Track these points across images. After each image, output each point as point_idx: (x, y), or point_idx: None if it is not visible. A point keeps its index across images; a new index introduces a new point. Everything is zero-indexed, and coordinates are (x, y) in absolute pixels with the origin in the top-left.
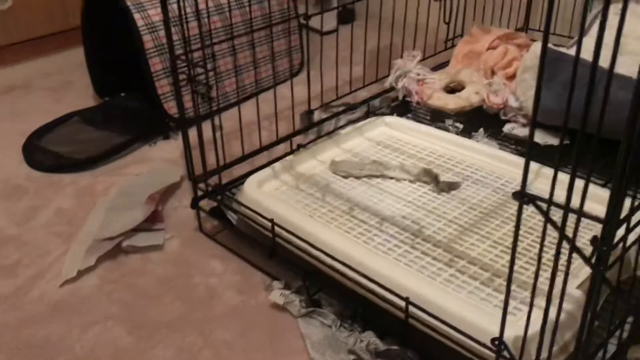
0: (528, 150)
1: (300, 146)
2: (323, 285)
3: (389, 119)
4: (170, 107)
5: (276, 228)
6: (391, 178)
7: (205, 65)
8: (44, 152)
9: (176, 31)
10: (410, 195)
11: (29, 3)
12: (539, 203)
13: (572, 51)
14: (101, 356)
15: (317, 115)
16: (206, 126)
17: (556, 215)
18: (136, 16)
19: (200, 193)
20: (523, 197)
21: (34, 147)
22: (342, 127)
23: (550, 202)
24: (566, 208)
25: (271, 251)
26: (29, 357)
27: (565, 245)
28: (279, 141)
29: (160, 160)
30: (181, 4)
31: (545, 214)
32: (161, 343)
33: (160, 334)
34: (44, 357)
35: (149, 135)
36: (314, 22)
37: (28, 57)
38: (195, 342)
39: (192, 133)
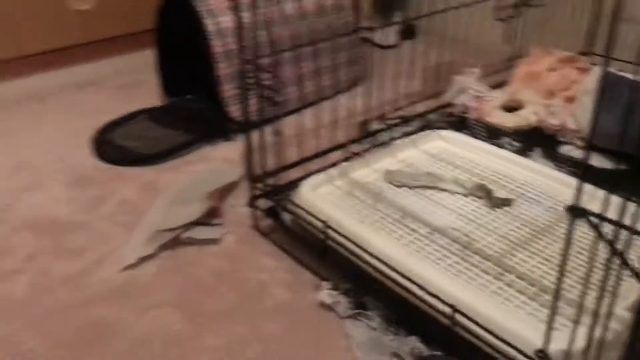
0: (582, 168)
1: (355, 154)
2: (370, 289)
3: (445, 132)
4: (233, 110)
5: (328, 230)
6: (444, 190)
7: (272, 71)
8: (112, 146)
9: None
10: (463, 208)
11: (106, 5)
12: (591, 218)
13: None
14: (155, 339)
15: (373, 126)
16: (265, 130)
17: (608, 236)
18: (207, 22)
19: (257, 193)
20: (575, 211)
21: (103, 141)
22: (397, 138)
23: (602, 217)
24: (619, 225)
25: (322, 252)
26: (89, 336)
27: (616, 263)
28: (334, 148)
29: (220, 160)
30: (251, 12)
31: (597, 229)
32: (212, 331)
33: (212, 322)
34: (103, 336)
35: (211, 136)
36: (376, 36)
37: (102, 56)
38: (245, 333)
39: (252, 136)
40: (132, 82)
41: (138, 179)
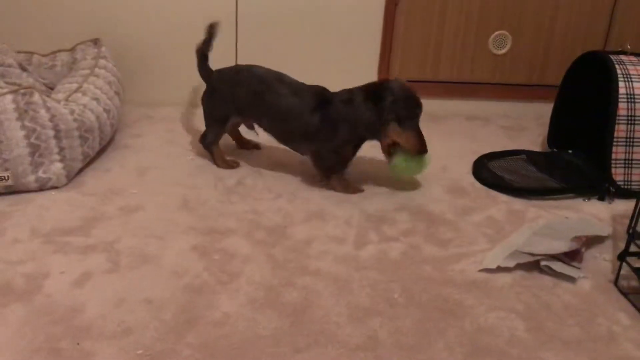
0: None
1: None
2: None
3: None
4: (617, 173)
5: None
6: None
7: None
8: (489, 171)
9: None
10: None
11: (518, 52)
12: None
13: None
14: (500, 335)
15: None
16: None
17: None
18: (621, 84)
19: (633, 250)
20: None
21: (482, 165)
22: None
23: None
24: None
25: None
26: (445, 307)
27: None
28: None
29: (588, 214)
30: None
31: None
32: (551, 350)
33: (553, 344)
34: (455, 313)
35: (585, 191)
36: None
37: (497, 97)
38: None
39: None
40: (516, 126)
41: (507, 205)
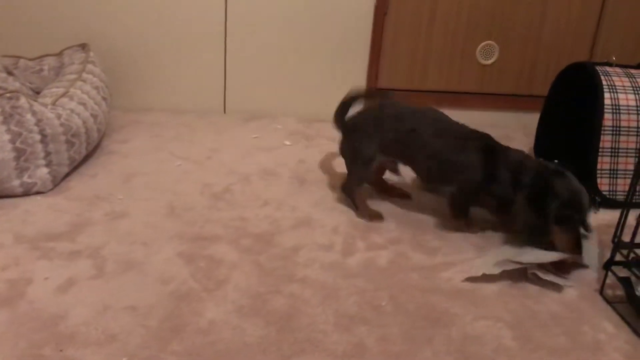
0: None
1: None
2: None
3: None
4: (603, 183)
5: None
6: None
7: None
8: None
9: None
10: None
11: (506, 62)
12: None
13: None
14: (486, 343)
15: None
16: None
17: None
18: (606, 95)
19: (618, 259)
20: None
21: None
22: None
23: None
24: None
25: None
26: (431, 316)
27: None
28: None
29: None
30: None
31: None
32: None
33: (541, 352)
34: (442, 321)
35: None
36: None
37: (485, 107)
38: None
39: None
40: (503, 136)
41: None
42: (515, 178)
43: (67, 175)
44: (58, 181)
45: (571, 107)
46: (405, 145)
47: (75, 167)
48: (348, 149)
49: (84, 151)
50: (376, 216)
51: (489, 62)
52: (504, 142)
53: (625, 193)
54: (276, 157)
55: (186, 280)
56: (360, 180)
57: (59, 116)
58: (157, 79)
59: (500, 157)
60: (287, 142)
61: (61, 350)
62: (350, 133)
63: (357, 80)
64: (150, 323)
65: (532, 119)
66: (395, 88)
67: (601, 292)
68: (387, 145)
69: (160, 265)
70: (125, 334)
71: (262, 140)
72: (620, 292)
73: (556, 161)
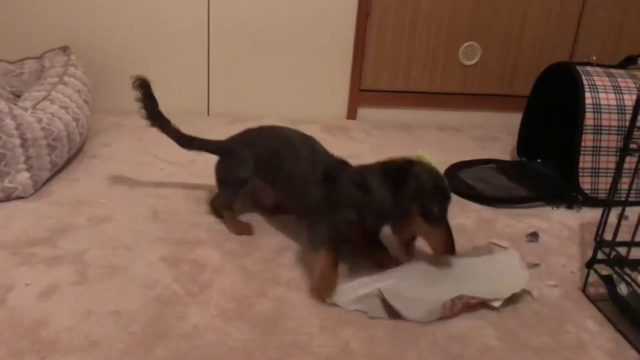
0: None
1: None
2: None
3: None
4: (585, 182)
5: None
6: None
7: None
8: (460, 180)
9: (618, 119)
10: None
11: (488, 63)
12: None
13: None
14: (471, 342)
15: None
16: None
17: None
18: (587, 95)
19: (600, 257)
20: None
21: (453, 174)
22: None
23: None
24: None
25: None
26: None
27: None
28: None
29: (557, 223)
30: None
31: None
32: (521, 357)
33: (524, 350)
34: (424, 324)
35: (554, 200)
36: None
37: (468, 107)
38: None
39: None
40: (487, 136)
41: (476, 213)
42: (362, 186)
43: (49, 179)
44: (39, 186)
45: (553, 107)
46: (270, 169)
47: (57, 171)
48: (220, 169)
49: (66, 155)
50: (245, 230)
51: (472, 62)
52: (488, 143)
53: (607, 192)
54: None
55: (170, 284)
56: (227, 202)
57: (39, 120)
58: None
59: (340, 177)
60: None
61: (43, 358)
62: (225, 154)
63: (341, 81)
64: (133, 328)
65: (515, 119)
66: (379, 89)
67: (584, 290)
68: (259, 169)
69: (143, 269)
70: (109, 340)
71: None
72: (602, 290)
73: (539, 160)
